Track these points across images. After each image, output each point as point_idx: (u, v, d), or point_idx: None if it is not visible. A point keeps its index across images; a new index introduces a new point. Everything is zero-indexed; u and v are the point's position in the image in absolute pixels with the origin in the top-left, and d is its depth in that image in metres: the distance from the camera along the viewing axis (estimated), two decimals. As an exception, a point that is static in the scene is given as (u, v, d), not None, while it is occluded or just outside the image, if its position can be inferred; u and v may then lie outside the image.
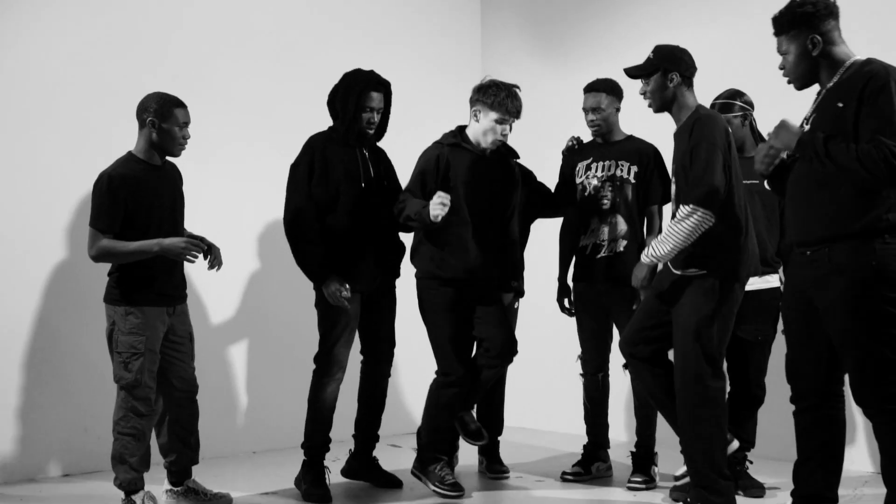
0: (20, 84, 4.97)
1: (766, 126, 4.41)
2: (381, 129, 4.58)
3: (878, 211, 3.20)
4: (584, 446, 4.89)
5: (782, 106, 4.37)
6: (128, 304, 4.05)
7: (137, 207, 4.06)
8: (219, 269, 4.23)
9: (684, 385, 3.87)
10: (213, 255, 4.20)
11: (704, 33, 5.57)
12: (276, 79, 5.87)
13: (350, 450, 4.76)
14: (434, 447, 4.50)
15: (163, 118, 4.10)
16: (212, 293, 5.51)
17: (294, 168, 4.47)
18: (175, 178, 4.29)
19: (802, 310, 3.42)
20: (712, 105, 4.47)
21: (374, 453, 4.75)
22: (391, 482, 4.66)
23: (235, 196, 5.62)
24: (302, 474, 4.49)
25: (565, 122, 5.71)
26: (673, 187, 4.06)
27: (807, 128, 3.38)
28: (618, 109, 4.79)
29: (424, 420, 4.53)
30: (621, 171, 4.68)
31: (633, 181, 4.67)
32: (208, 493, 4.36)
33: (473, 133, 4.48)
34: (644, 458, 4.68)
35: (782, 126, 3.35)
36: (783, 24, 3.40)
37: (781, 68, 3.47)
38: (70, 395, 5.08)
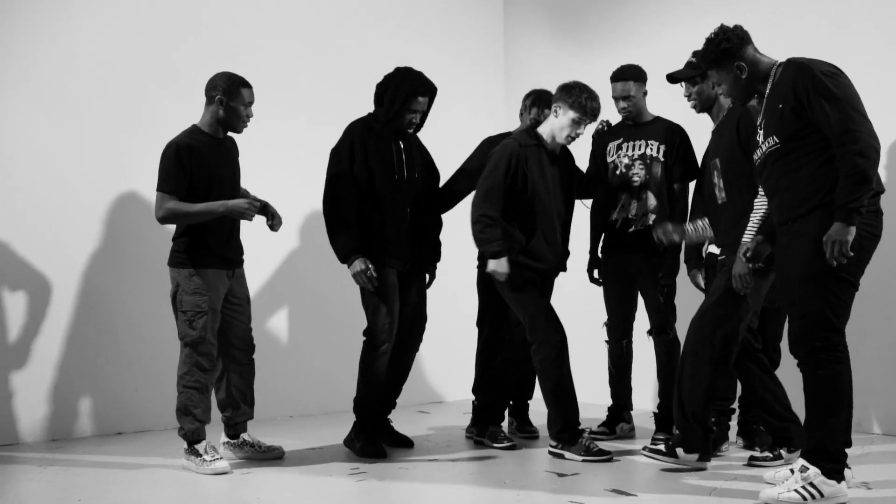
0: (69, 65, 5.30)
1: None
2: (419, 125, 4.85)
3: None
4: (609, 408, 5.20)
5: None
6: (192, 267, 4.36)
7: (201, 175, 4.37)
8: (278, 228, 4.57)
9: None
10: (270, 214, 4.52)
11: (729, 19, 5.84)
12: (306, 60, 6.13)
13: None
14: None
15: (230, 97, 4.40)
16: (255, 265, 5.78)
17: (335, 153, 4.73)
18: (234, 150, 4.60)
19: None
20: None
21: (401, 420, 5.07)
22: (404, 442, 4.95)
23: (278, 172, 5.89)
24: (354, 434, 4.76)
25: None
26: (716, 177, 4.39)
27: (760, 132, 3.80)
28: (645, 93, 5.08)
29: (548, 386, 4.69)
30: (651, 149, 4.96)
31: (661, 159, 4.95)
32: (262, 446, 4.66)
33: (549, 129, 4.72)
34: (666, 418, 4.97)
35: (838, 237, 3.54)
36: (709, 61, 3.88)
37: (720, 93, 3.98)
38: (120, 359, 5.38)
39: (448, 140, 6.18)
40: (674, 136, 4.98)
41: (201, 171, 4.37)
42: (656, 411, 5.05)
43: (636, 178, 4.94)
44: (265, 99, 5.83)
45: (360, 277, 4.59)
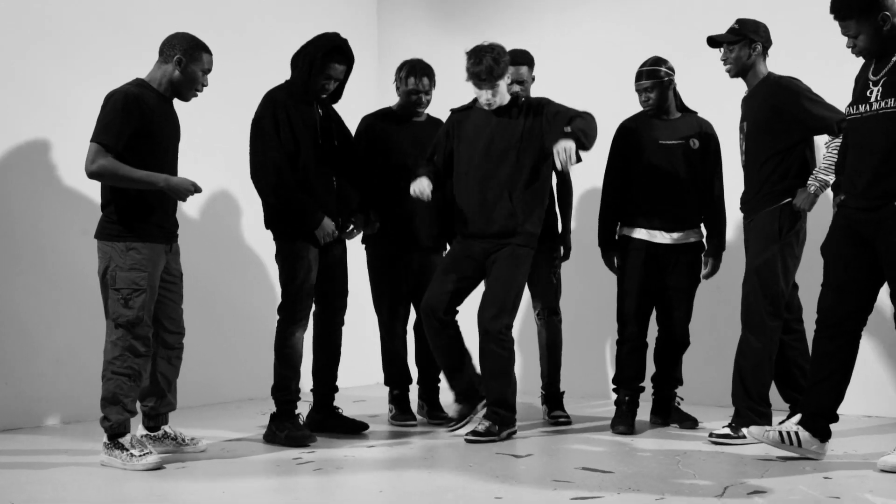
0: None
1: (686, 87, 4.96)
2: (338, 94, 4.68)
3: None
4: None
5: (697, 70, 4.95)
6: (129, 240, 3.92)
7: (147, 132, 3.95)
8: None
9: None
10: None
11: (611, 7, 6.08)
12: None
13: (310, 403, 4.79)
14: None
15: (190, 59, 4.03)
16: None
17: (257, 122, 4.45)
18: (176, 115, 4.19)
19: (852, 251, 3.87)
20: (639, 73, 4.84)
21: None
22: (357, 427, 4.74)
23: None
24: (276, 425, 4.46)
25: (463, 88, 5.93)
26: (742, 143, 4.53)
27: (877, 90, 3.80)
28: (533, 79, 5.14)
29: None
30: None
31: None
32: (185, 439, 4.27)
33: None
34: (556, 396, 5.11)
35: None
36: (851, 9, 3.78)
37: (850, 47, 3.86)
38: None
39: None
40: None
41: (148, 126, 3.94)
42: (544, 392, 5.16)
43: None
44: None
45: (328, 235, 4.43)
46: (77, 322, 5.00)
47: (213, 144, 5.58)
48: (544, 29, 6.32)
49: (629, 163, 4.84)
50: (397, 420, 5.05)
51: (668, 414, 4.92)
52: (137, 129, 3.91)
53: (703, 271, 4.86)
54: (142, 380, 4.00)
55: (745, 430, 4.30)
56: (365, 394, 6.03)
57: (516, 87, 5.00)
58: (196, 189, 3.97)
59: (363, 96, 6.69)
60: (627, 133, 4.87)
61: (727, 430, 4.39)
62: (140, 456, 3.90)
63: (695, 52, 5.04)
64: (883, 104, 3.80)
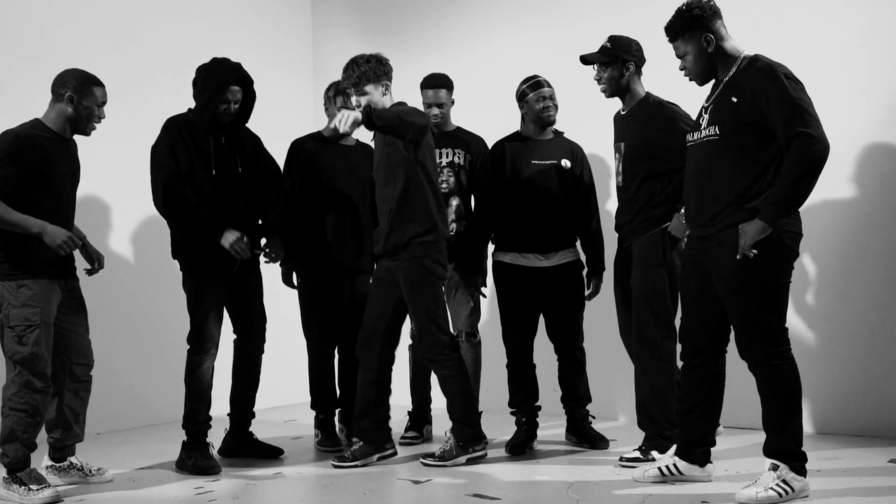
0: None
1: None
2: (243, 118, 4.67)
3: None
4: (409, 413, 5.24)
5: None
6: (18, 278, 3.98)
7: (40, 173, 4.01)
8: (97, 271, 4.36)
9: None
10: (91, 257, 4.31)
11: (530, 26, 6.13)
12: (108, 56, 5.72)
13: (226, 428, 4.85)
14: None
15: (82, 95, 4.07)
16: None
17: (155, 149, 4.50)
18: (76, 153, 4.25)
19: (699, 279, 3.88)
20: (521, 91, 4.86)
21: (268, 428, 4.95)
22: (271, 452, 4.81)
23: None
24: (185, 453, 4.53)
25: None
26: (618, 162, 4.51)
27: (706, 117, 3.82)
28: (453, 102, 5.17)
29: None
30: (458, 157, 5.06)
31: (467, 168, 5.07)
32: (91, 469, 4.33)
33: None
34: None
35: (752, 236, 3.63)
36: (677, 29, 3.82)
37: (682, 69, 3.89)
38: None
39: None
40: (476, 146, 5.11)
41: (41, 168, 4.00)
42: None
43: (445, 186, 4.99)
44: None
45: (237, 245, 4.41)
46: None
47: (137, 167, 5.62)
48: (478, 44, 6.36)
49: (501, 184, 4.84)
50: (323, 445, 5.06)
51: (581, 432, 4.97)
52: (28, 170, 3.96)
53: (587, 292, 4.87)
54: (41, 415, 4.05)
55: (654, 454, 4.37)
56: (295, 413, 6.09)
57: (436, 111, 5.05)
58: (73, 241, 3.99)
59: (300, 114, 6.77)
60: (501, 154, 4.88)
61: (637, 454, 4.44)
62: (37, 490, 3.97)
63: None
64: (707, 131, 3.81)
